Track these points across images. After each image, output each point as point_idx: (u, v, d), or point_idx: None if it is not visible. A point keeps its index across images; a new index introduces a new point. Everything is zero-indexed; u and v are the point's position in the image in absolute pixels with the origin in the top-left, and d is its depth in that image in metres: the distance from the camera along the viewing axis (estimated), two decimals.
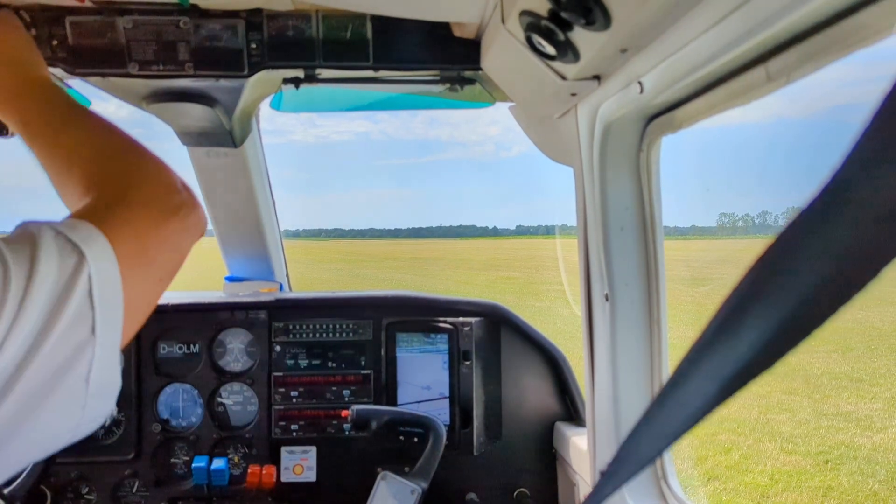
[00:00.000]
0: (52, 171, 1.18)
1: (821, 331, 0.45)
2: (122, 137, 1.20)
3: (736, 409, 9.79)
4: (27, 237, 0.84)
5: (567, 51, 1.28)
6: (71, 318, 0.81)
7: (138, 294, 0.95)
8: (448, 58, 1.77)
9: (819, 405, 10.15)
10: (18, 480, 2.25)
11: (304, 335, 2.57)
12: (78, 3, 1.50)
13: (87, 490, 2.51)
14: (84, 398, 0.85)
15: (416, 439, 2.29)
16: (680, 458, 8.20)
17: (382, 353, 2.56)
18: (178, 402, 2.57)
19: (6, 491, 2.23)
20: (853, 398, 10.48)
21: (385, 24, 1.72)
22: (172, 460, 2.55)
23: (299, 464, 2.52)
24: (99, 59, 1.66)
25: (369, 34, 1.72)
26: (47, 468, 2.31)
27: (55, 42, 1.63)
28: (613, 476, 0.66)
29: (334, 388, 2.56)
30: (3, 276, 0.78)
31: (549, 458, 2.55)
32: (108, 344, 0.87)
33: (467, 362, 2.38)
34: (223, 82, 1.81)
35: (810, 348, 13.61)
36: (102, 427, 2.50)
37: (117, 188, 1.06)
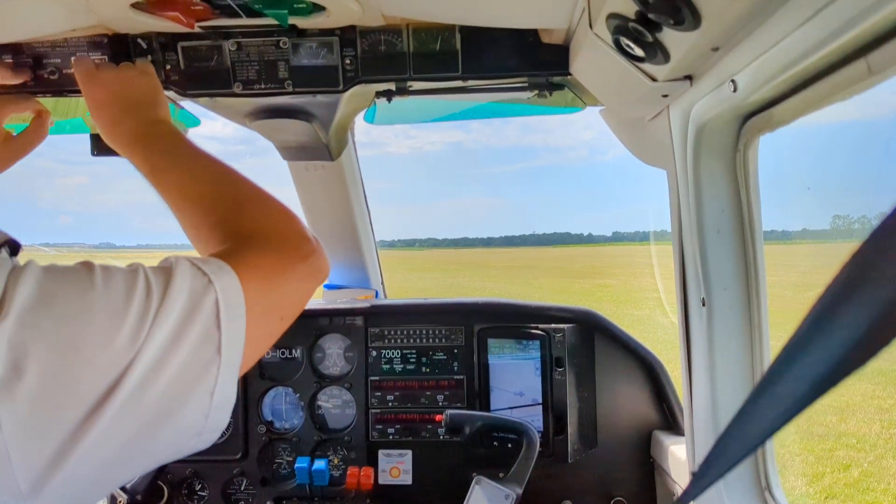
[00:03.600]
0: (182, 216, 1.28)
1: None
2: (252, 188, 1.30)
3: (855, 424, 9.19)
4: (167, 264, 0.95)
5: (656, 52, 1.26)
6: (199, 336, 0.91)
7: (260, 327, 1.04)
8: (536, 64, 1.77)
9: None
10: (139, 476, 2.42)
11: (399, 340, 2.63)
12: (188, 29, 1.61)
13: (199, 487, 2.67)
14: (208, 410, 0.94)
15: (509, 445, 2.29)
16: (793, 475, 7.76)
17: (475, 358, 2.59)
18: (282, 405, 2.68)
19: (128, 485, 2.40)
20: None
21: (473, 35, 1.74)
22: (276, 460, 2.67)
23: (396, 466, 2.57)
24: (207, 80, 1.77)
25: (458, 45, 1.75)
26: (164, 466, 2.47)
27: (168, 67, 1.75)
28: (703, 477, 0.65)
29: (428, 393, 2.60)
30: (146, 292, 0.88)
31: (647, 468, 2.49)
32: (231, 363, 0.95)
33: (560, 369, 2.36)
34: (320, 98, 1.89)
35: None
36: (222, 435, 2.65)
37: (250, 237, 1.16)
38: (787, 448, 8.46)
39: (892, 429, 9.08)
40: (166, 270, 0.93)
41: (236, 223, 1.20)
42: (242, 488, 2.66)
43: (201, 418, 0.94)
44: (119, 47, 1.74)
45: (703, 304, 1.65)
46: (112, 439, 0.83)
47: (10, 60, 1.72)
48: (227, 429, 2.65)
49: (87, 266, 0.89)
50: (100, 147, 2.01)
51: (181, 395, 0.90)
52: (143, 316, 0.86)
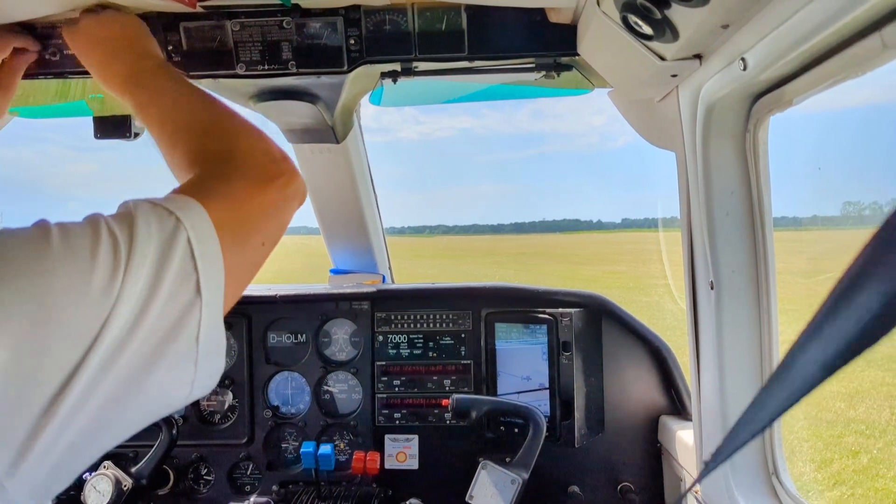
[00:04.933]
0: (162, 148, 1.27)
1: None
2: (223, 112, 1.27)
3: (864, 411, 9.16)
4: (126, 210, 0.91)
5: (665, 30, 1.24)
6: (175, 277, 0.87)
7: (238, 258, 1.01)
8: (544, 45, 1.75)
9: None
10: (144, 460, 2.43)
11: (406, 325, 2.63)
12: (190, 9, 1.60)
13: (206, 471, 2.68)
14: (195, 356, 0.91)
15: (516, 430, 2.29)
16: (801, 461, 7.75)
17: (482, 343, 2.58)
18: (288, 390, 2.69)
19: (133, 469, 2.40)
20: None
21: (480, 14, 1.72)
22: (283, 445, 2.67)
23: (402, 451, 2.58)
24: (210, 61, 1.76)
25: (464, 25, 1.73)
26: (170, 450, 2.48)
27: (171, 47, 1.74)
28: (715, 457, 0.65)
29: (435, 378, 2.60)
30: (112, 246, 0.84)
31: (654, 452, 2.49)
32: (214, 303, 0.92)
33: (567, 353, 2.35)
34: (324, 79, 1.87)
35: None
36: (228, 419, 2.65)
37: (216, 162, 1.13)
38: (795, 434, 8.44)
39: None
40: (128, 216, 0.89)
41: (205, 148, 1.18)
42: (248, 473, 2.67)
43: (190, 366, 0.91)
44: None
45: (712, 288, 1.63)
46: (92, 402, 0.81)
47: (12, 40, 1.71)
48: (233, 413, 2.66)
49: (42, 227, 0.84)
50: (103, 130, 2.00)
51: (163, 347, 0.87)
52: (114, 272, 0.82)
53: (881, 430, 8.59)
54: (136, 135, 2.09)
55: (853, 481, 7.28)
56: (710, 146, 1.54)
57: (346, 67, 1.76)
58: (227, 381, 2.64)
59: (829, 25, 0.96)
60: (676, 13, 1.17)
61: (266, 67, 1.75)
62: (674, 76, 1.48)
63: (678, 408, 2.47)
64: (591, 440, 2.45)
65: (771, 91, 1.41)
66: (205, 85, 1.94)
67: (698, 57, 1.37)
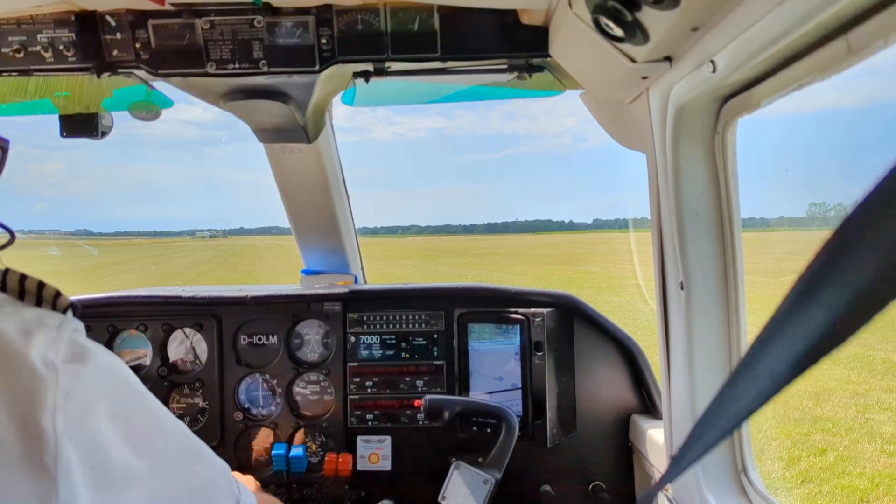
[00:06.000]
0: None
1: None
2: None
3: (831, 409, 9.33)
4: None
5: (636, 31, 1.25)
6: None
7: None
8: (516, 46, 1.76)
9: None
10: None
11: (378, 326, 2.61)
12: (159, 7, 1.57)
13: None
14: None
15: (489, 430, 2.29)
16: (769, 459, 7.87)
17: (455, 343, 2.58)
18: (258, 392, 2.66)
19: None
20: None
21: (452, 15, 1.72)
22: (254, 447, 2.64)
23: (375, 452, 2.56)
24: (179, 60, 1.73)
25: (437, 25, 1.73)
26: None
27: (139, 45, 1.71)
28: (684, 457, 0.65)
29: (408, 379, 2.59)
30: None
31: (625, 452, 2.51)
32: None
33: (539, 353, 2.36)
34: (296, 78, 1.86)
35: None
36: (198, 422, 2.62)
37: None
38: (763, 432, 8.57)
39: (867, 413, 9.23)
40: None
41: None
42: None
43: None
44: (87, 25, 1.69)
45: (682, 288, 1.65)
46: None
47: None
48: (203, 416, 2.62)
49: None
50: (70, 128, 1.96)
51: None
52: None
53: (847, 427, 8.76)
54: (104, 133, 2.05)
55: (820, 479, 7.41)
56: (680, 147, 1.56)
57: (317, 67, 1.75)
58: (196, 384, 2.60)
59: (796, 29, 0.97)
60: (647, 15, 1.18)
61: (237, 66, 1.73)
62: (644, 78, 1.49)
63: (649, 407, 2.50)
64: (563, 440, 2.46)
65: (739, 93, 1.43)
66: (175, 83, 1.91)
67: (668, 59, 1.38)
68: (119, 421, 0.87)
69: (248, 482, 1.66)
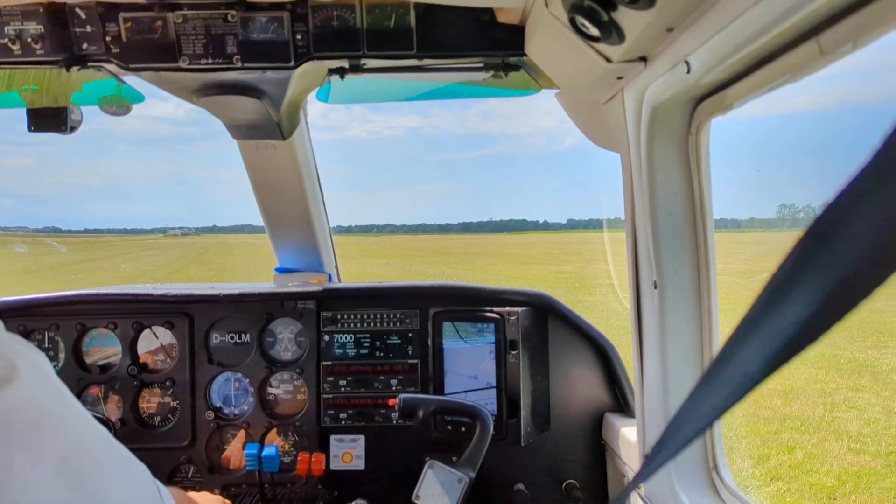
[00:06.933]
0: None
1: (867, 302, 0.44)
2: None
3: (799, 407, 9.49)
4: None
5: (611, 31, 1.25)
6: None
7: None
8: (492, 45, 1.75)
9: (888, 402, 9.71)
10: None
11: (353, 325, 2.60)
12: None
13: None
14: None
15: (463, 429, 2.29)
16: (740, 457, 7.97)
17: (429, 342, 2.57)
18: (230, 391, 2.63)
19: None
20: None
21: (428, 12, 1.71)
22: (225, 447, 2.61)
23: (348, 452, 2.55)
24: (151, 54, 1.70)
25: (413, 23, 1.72)
26: None
27: (109, 38, 1.68)
28: (657, 456, 0.65)
29: (382, 378, 2.58)
30: None
31: (598, 450, 2.52)
32: None
33: (514, 352, 2.36)
34: (270, 74, 1.84)
35: (879, 343, 13.08)
36: (168, 422, 2.58)
37: None
38: (734, 431, 8.69)
39: (835, 412, 9.41)
40: None
41: None
42: (190, 476, 2.60)
43: None
44: (55, 17, 1.65)
45: (655, 287, 1.66)
46: None
47: None
48: (174, 416, 2.59)
49: None
50: (38, 122, 1.92)
51: None
52: None
53: (815, 426, 8.91)
54: (73, 128, 2.01)
55: (789, 476, 7.53)
56: (654, 148, 1.57)
57: (292, 63, 1.73)
58: (167, 382, 2.56)
59: (769, 30, 0.98)
60: (623, 15, 1.18)
61: (210, 61, 1.70)
62: (619, 78, 1.50)
63: (622, 405, 2.51)
64: (536, 438, 2.46)
65: (713, 94, 1.44)
66: (146, 78, 1.88)
67: (643, 59, 1.39)
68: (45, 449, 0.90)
69: (214, 501, 1.66)
